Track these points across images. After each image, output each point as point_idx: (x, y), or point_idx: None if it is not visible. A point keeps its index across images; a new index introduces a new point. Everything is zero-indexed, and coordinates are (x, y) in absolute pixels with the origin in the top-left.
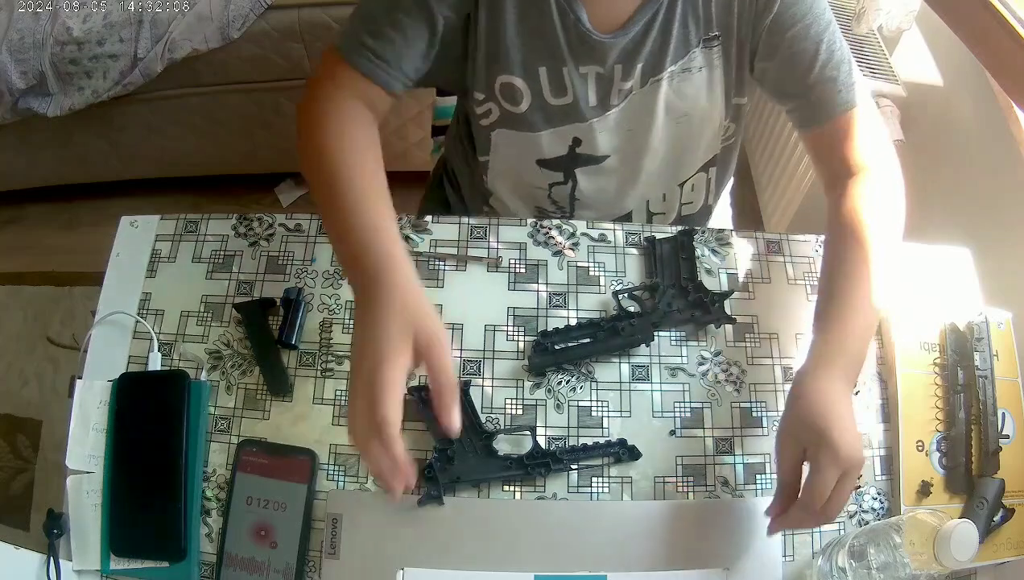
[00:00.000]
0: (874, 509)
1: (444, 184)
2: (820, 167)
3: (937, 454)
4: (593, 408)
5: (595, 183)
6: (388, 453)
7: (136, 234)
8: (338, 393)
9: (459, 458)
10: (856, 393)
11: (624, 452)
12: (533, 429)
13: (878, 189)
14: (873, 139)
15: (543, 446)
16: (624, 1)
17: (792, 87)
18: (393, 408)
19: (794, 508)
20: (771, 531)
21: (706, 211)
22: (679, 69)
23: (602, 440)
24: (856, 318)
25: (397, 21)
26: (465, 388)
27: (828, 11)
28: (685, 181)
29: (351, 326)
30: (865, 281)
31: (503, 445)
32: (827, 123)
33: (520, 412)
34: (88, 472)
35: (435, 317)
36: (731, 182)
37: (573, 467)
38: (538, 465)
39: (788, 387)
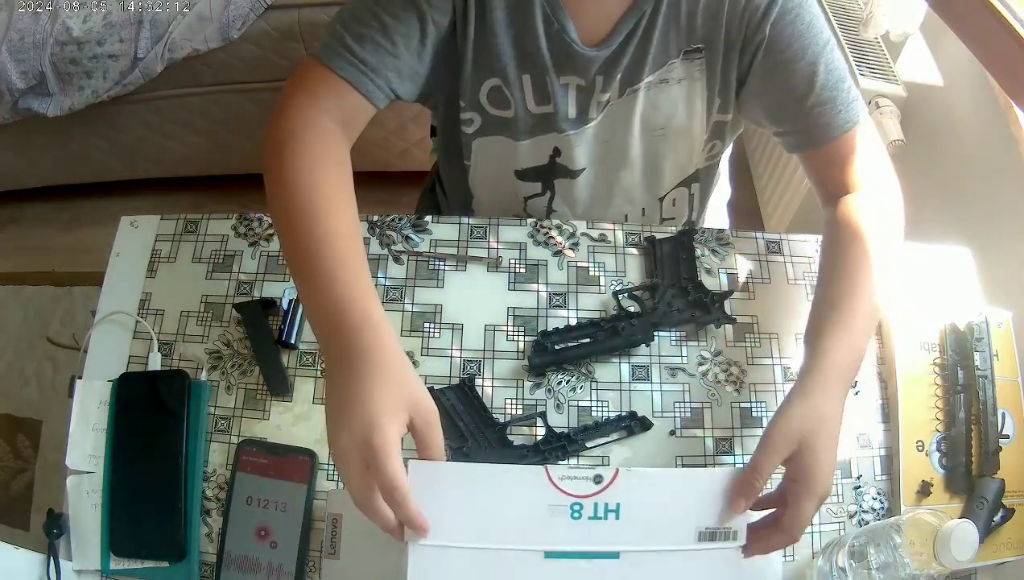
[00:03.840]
0: (874, 509)
1: (436, 189)
2: (817, 186)
3: (937, 454)
4: (593, 408)
5: (572, 195)
6: (402, 511)
7: (136, 234)
8: None
9: (476, 454)
10: (856, 393)
11: (636, 424)
12: (543, 415)
13: (876, 203)
14: (872, 157)
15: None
16: (608, 10)
17: (788, 110)
18: (399, 471)
19: (774, 534)
20: (748, 554)
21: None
22: (656, 80)
23: (613, 415)
24: (854, 326)
25: (384, 25)
26: (471, 383)
27: (825, 30)
28: (665, 196)
29: None
30: (864, 286)
31: (514, 437)
32: (825, 145)
33: (520, 412)
34: (88, 472)
35: (429, 397)
36: (729, 193)
37: (588, 445)
38: (554, 449)
39: (788, 387)
